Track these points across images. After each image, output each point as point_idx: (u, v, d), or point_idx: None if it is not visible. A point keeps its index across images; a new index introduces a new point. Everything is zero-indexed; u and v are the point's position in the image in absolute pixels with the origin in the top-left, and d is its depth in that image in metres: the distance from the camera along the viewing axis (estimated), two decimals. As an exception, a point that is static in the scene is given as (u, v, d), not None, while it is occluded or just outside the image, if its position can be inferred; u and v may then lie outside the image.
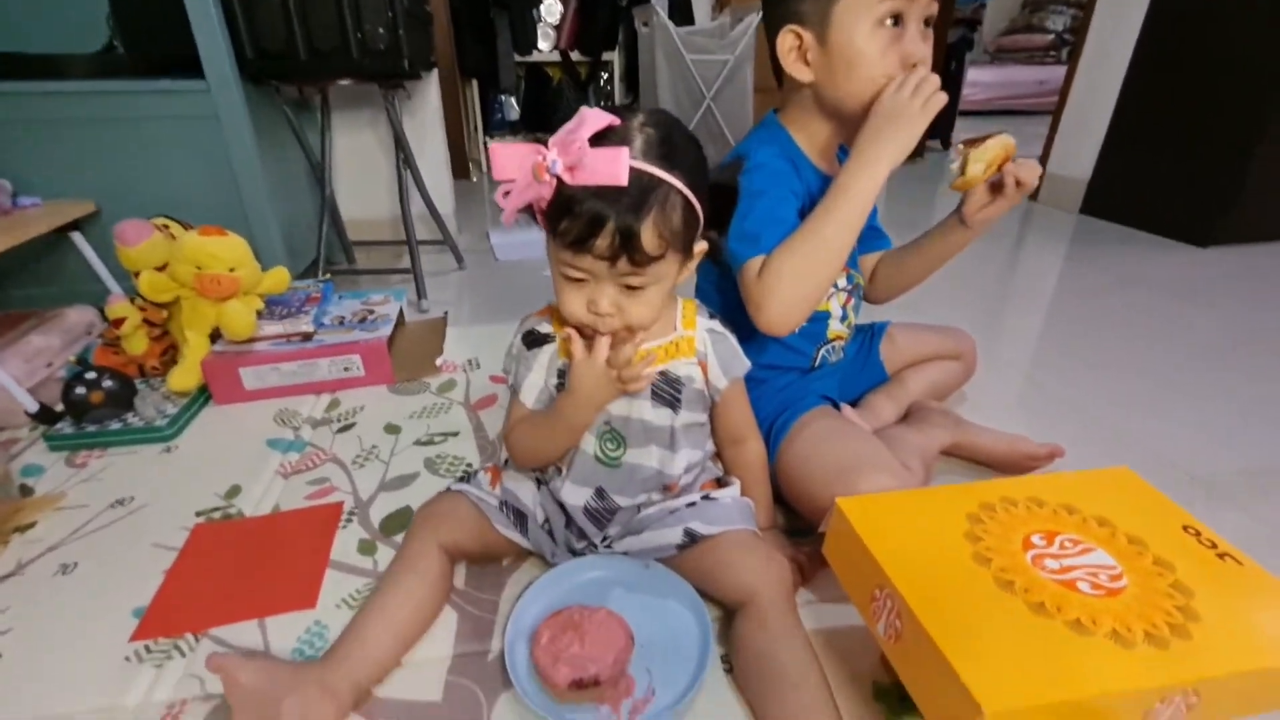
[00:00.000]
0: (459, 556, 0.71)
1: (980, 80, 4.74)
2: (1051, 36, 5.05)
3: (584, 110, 0.52)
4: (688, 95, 2.59)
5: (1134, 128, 2.10)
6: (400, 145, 1.54)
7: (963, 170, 0.73)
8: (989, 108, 4.86)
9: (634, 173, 0.51)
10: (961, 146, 0.73)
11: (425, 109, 1.82)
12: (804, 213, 0.77)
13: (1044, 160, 2.41)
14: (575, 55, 3.08)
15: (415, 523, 0.70)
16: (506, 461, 0.74)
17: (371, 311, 1.26)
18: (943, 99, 0.65)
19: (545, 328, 0.68)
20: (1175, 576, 0.49)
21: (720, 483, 0.74)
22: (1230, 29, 1.81)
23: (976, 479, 0.89)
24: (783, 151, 0.75)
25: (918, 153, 3.34)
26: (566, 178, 0.51)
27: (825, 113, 0.74)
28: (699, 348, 0.66)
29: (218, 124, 1.24)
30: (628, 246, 0.53)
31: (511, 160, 0.53)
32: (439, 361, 1.20)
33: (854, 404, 0.97)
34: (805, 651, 0.56)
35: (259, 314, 1.13)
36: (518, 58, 3.00)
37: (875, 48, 0.66)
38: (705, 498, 0.70)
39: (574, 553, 0.72)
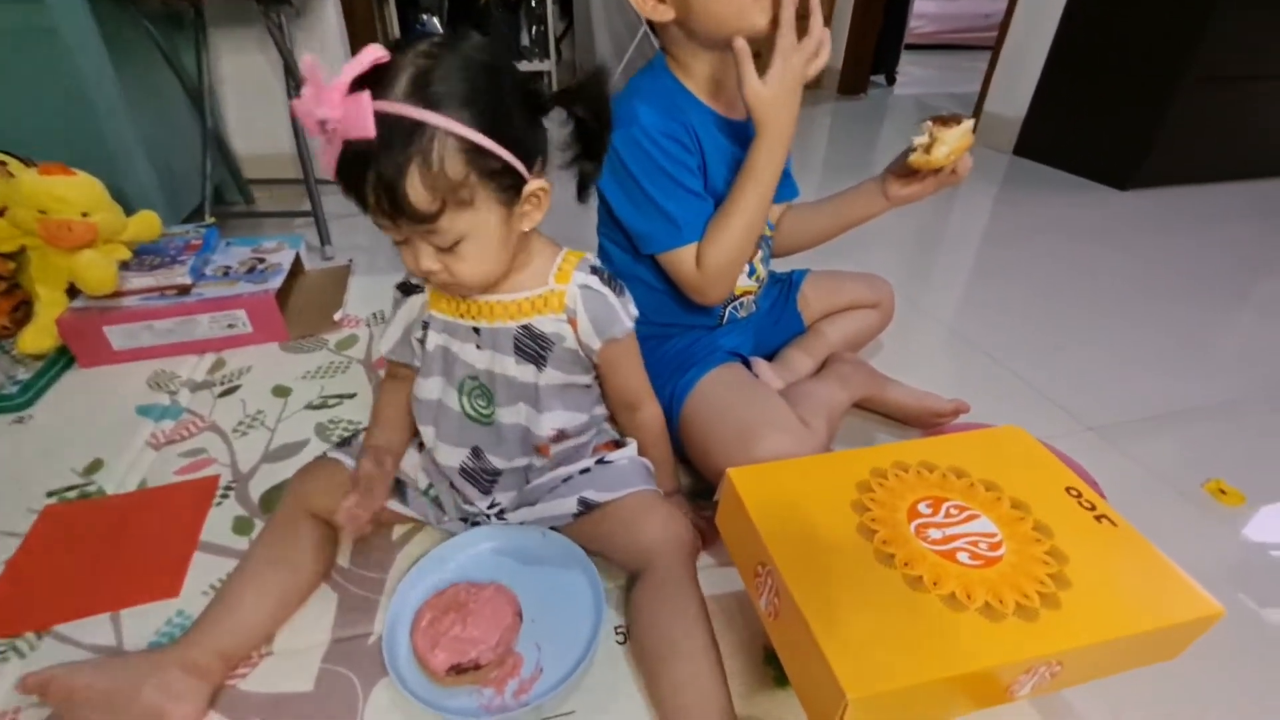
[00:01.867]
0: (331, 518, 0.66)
1: (926, 12, 4.63)
2: (1000, -33, 4.96)
3: (365, 49, 0.45)
4: (623, 21, 2.42)
5: (1066, 69, 2.08)
6: (290, 73, 1.37)
7: (928, 150, 0.71)
8: (934, 41, 4.78)
9: (384, 118, 0.45)
10: (931, 124, 0.71)
11: (322, 30, 1.63)
12: (704, 166, 0.73)
13: (981, 98, 2.39)
14: (503, -28, 2.83)
15: (287, 492, 0.65)
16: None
17: (262, 260, 1.15)
18: (825, 59, 0.66)
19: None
20: (1052, 543, 0.49)
21: (618, 444, 0.71)
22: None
23: (884, 433, 0.89)
24: (668, 104, 0.71)
25: (860, 89, 3.27)
26: (327, 132, 0.45)
27: (700, 46, 0.70)
28: (569, 304, 0.60)
29: (58, 40, 1.06)
30: (395, 204, 0.47)
31: (305, 115, 0.45)
32: (338, 315, 1.11)
33: (770, 357, 0.95)
34: (700, 621, 0.55)
35: (125, 265, 1.01)
36: (439, -28, 2.73)
37: None
38: (600, 462, 0.67)
39: (466, 521, 0.68)
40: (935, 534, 0.49)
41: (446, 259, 0.53)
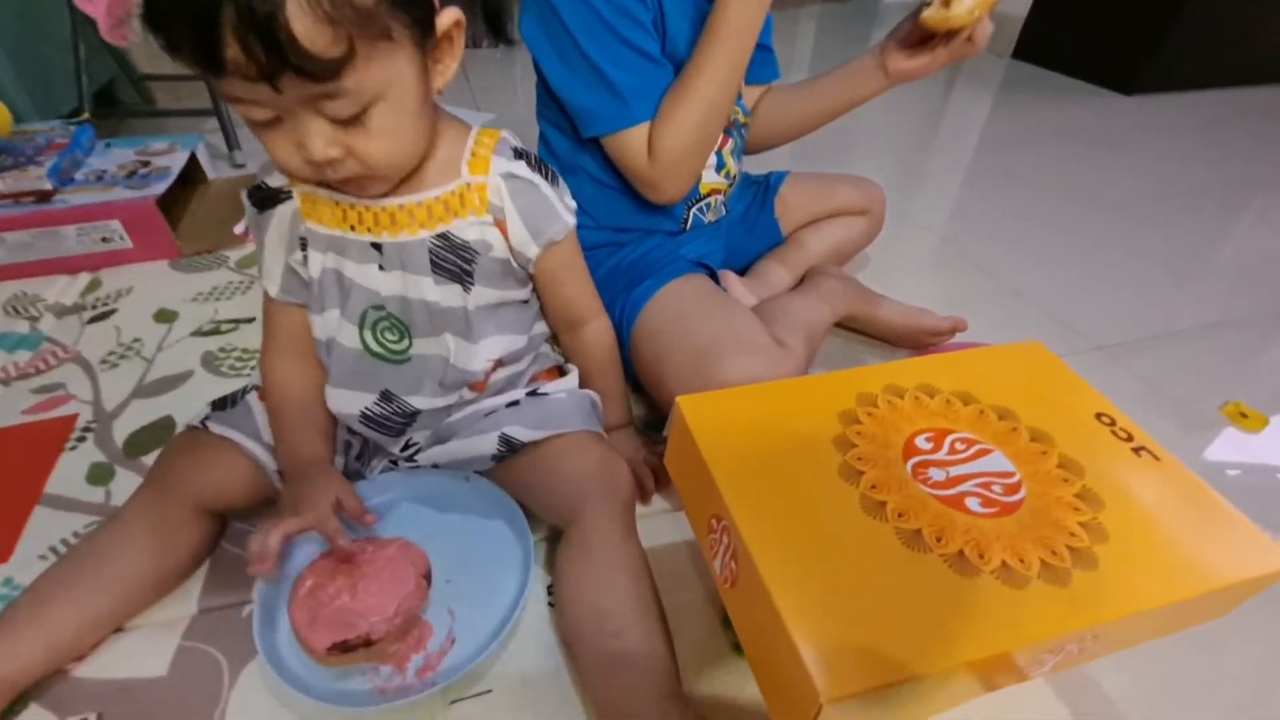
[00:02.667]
0: (227, 513, 0.53)
1: (923, -94, 4.25)
2: None
3: None
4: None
5: (1077, -46, 1.88)
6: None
7: (946, 4, 0.56)
8: (930, -59, 4.42)
9: None
10: None
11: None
12: (662, 21, 0.58)
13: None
14: None
15: (153, 477, 0.50)
16: None
17: (146, 164, 0.97)
18: None
19: (279, 178, 0.47)
20: (1083, 483, 0.39)
21: (561, 371, 0.59)
22: None
23: (872, 355, 0.79)
24: None
25: (849, -12, 2.99)
26: None
27: None
28: (494, 200, 0.47)
29: None
30: (274, 48, 0.32)
31: None
32: (239, 228, 0.95)
33: (743, 271, 0.83)
34: (634, 586, 0.44)
35: (-35, 166, 0.83)
36: None
37: None
38: (532, 394, 0.55)
39: (361, 461, 0.56)
40: (937, 475, 0.38)
41: (350, 137, 0.38)
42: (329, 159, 0.38)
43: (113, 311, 0.80)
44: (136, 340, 0.75)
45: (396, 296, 0.48)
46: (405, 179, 0.45)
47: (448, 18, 0.39)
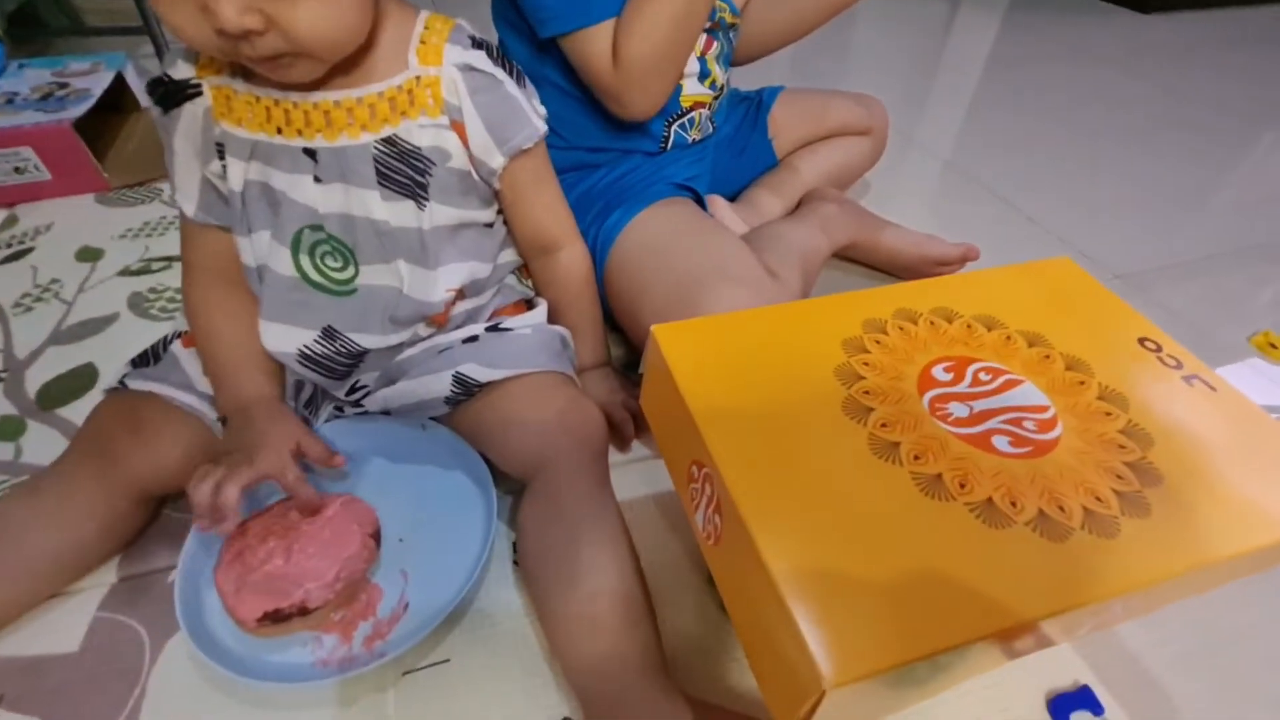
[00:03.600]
0: (161, 490, 0.45)
1: None
2: None
3: None
4: None
5: None
6: None
7: None
8: None
9: None
10: None
11: None
12: None
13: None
14: None
15: (83, 451, 0.42)
16: None
17: (65, 85, 0.86)
18: None
19: (185, 69, 0.39)
20: (1129, 417, 0.33)
21: (529, 305, 0.52)
22: None
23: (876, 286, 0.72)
24: None
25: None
26: None
27: None
28: (448, 99, 0.40)
29: None
30: None
31: None
32: (173, 158, 0.86)
33: (733, 198, 0.75)
34: (608, 545, 0.39)
35: None
36: None
37: None
38: (493, 329, 0.48)
39: (309, 408, 0.50)
40: (959, 410, 0.32)
41: (271, 2, 0.31)
42: (244, 29, 0.31)
43: (29, 250, 0.71)
44: (55, 281, 0.67)
45: (337, 215, 0.41)
46: (341, 67, 0.38)
47: None
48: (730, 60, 0.66)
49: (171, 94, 0.40)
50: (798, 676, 0.24)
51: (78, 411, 0.53)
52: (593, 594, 0.37)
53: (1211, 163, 1.01)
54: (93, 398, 0.55)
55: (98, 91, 0.85)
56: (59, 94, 0.84)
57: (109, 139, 0.90)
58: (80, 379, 0.56)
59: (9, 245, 0.72)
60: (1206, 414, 0.33)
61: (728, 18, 0.62)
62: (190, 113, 0.40)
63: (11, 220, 0.76)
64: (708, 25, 0.59)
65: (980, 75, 1.29)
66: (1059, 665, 0.40)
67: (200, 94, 0.39)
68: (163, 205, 0.80)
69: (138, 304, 0.65)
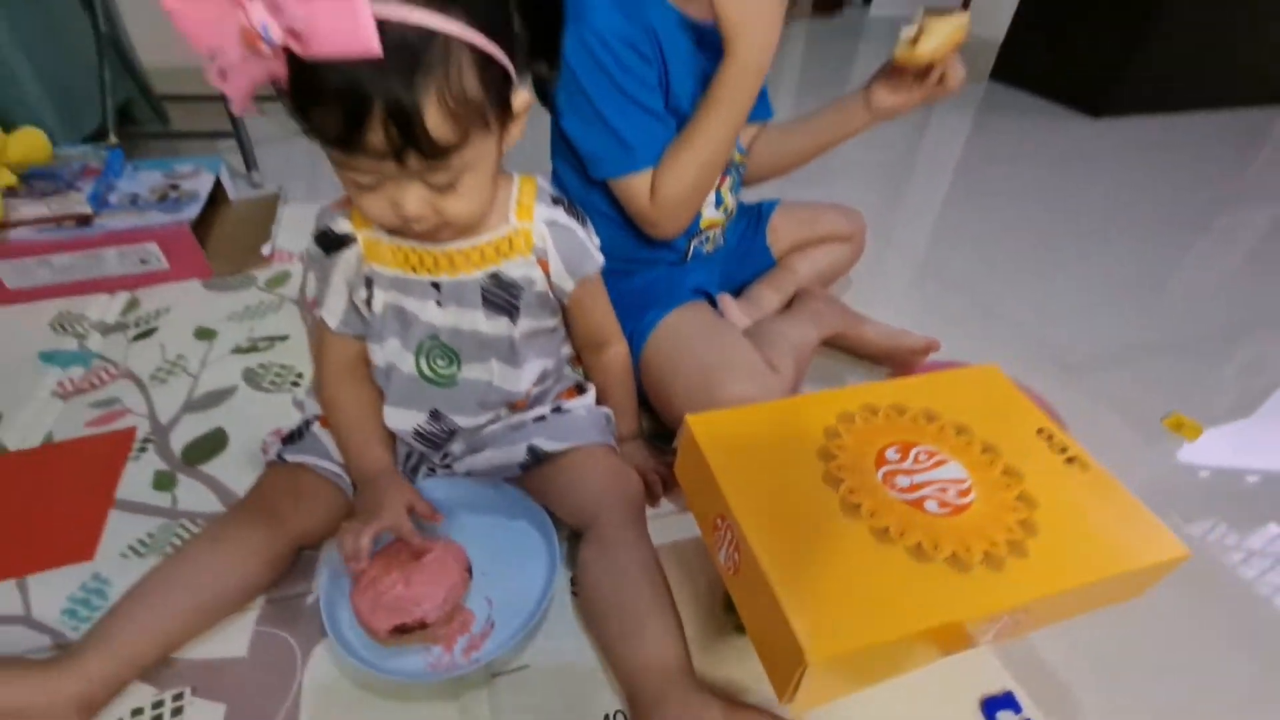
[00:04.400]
0: (312, 541, 0.58)
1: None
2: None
3: None
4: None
5: (1048, -13, 1.99)
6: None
7: (914, 42, 0.63)
8: (913, -44, 4.54)
9: (389, 29, 0.35)
10: (924, 15, 0.63)
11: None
12: (666, 78, 0.66)
13: (959, 18, 2.28)
14: None
15: (253, 509, 0.55)
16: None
17: (176, 187, 1.03)
18: None
19: (344, 225, 0.54)
20: (1023, 487, 0.47)
21: (580, 389, 0.67)
22: None
23: (855, 372, 0.87)
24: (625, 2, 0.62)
25: (836, 6, 3.10)
26: (294, 48, 0.35)
27: None
28: (538, 244, 0.54)
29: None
30: (410, 137, 0.39)
31: (205, 22, 0.34)
32: (266, 249, 1.02)
33: (737, 292, 0.91)
34: (646, 578, 0.52)
35: (13, 193, 0.89)
36: None
37: None
38: (556, 410, 0.62)
39: (415, 469, 0.64)
40: (903, 481, 0.47)
41: (439, 199, 0.45)
42: (418, 216, 0.46)
43: (154, 330, 0.86)
44: (180, 357, 0.82)
45: (450, 328, 0.55)
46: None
47: (521, 101, 0.46)
48: (740, 188, 0.83)
49: (334, 243, 0.54)
50: (789, 656, 0.37)
51: (216, 468, 0.67)
52: (636, 615, 0.50)
53: (1149, 260, 1.18)
54: (226, 455, 0.68)
55: (204, 193, 1.02)
56: (173, 195, 1.00)
57: (204, 228, 1.07)
58: (214, 441, 0.70)
59: (137, 325, 0.87)
60: (1077, 486, 0.47)
61: (737, 157, 0.79)
62: (346, 256, 0.54)
63: (134, 303, 0.91)
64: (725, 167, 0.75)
65: (951, 176, 1.49)
66: (990, 675, 0.53)
67: (355, 242, 0.54)
68: (258, 291, 0.95)
69: (251, 378, 0.79)
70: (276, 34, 0.35)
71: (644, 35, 0.62)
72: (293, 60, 0.36)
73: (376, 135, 0.39)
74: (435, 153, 0.41)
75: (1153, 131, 1.82)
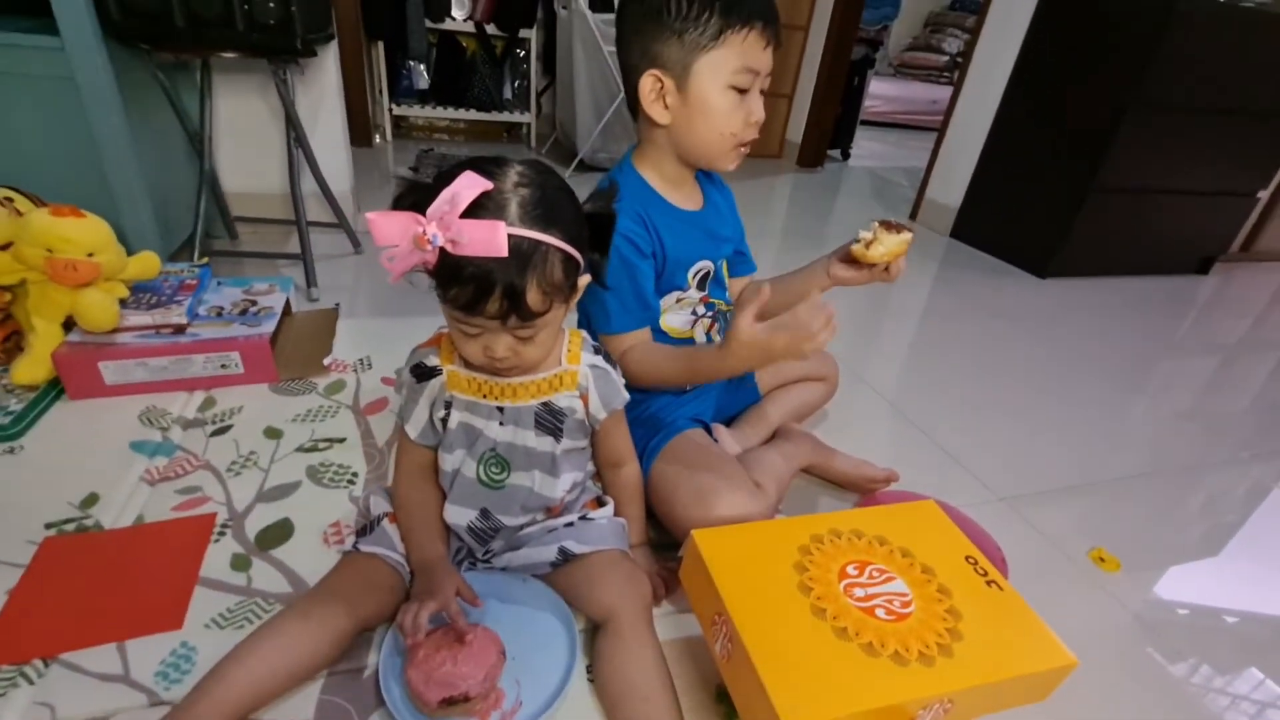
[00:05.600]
0: (375, 623, 0.68)
1: (882, 93, 5.04)
2: (946, 59, 5.44)
3: (459, 178, 0.53)
4: (604, 86, 2.59)
5: (997, 167, 2.34)
6: (291, 123, 1.45)
7: (868, 246, 0.81)
8: (889, 119, 5.19)
9: (513, 240, 0.53)
10: (878, 226, 0.81)
11: (322, 80, 1.72)
12: (663, 254, 0.83)
13: (923, 185, 2.64)
14: (491, 29, 2.98)
15: (331, 591, 0.66)
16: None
17: (254, 302, 1.20)
18: (822, 344, 0.68)
19: (433, 360, 0.70)
20: (951, 602, 0.60)
21: (600, 502, 0.80)
22: (1083, 82, 2.05)
23: (827, 495, 1.01)
24: (637, 204, 0.81)
25: (818, 162, 3.53)
26: (449, 249, 0.53)
27: (675, 153, 0.83)
28: (581, 382, 0.70)
29: (74, 87, 1.12)
30: (516, 308, 0.56)
31: (392, 229, 0.53)
32: (327, 360, 1.17)
33: (729, 422, 1.07)
34: (656, 666, 0.63)
35: (123, 302, 1.05)
36: (430, 24, 2.86)
37: (726, 104, 0.76)
38: (583, 518, 0.76)
39: (460, 562, 0.76)
40: (860, 592, 0.60)
41: (520, 346, 0.61)
42: (502, 358, 0.62)
43: (230, 427, 1.00)
44: (253, 453, 0.95)
45: (506, 442, 0.70)
46: None
47: (582, 281, 0.64)
48: (725, 331, 1.00)
49: (426, 373, 0.70)
50: (771, 724, 0.49)
51: (286, 553, 0.78)
52: (644, 697, 0.61)
53: (1086, 407, 1.37)
54: (294, 542, 0.80)
55: (278, 309, 1.19)
56: (253, 310, 1.17)
57: (272, 339, 1.23)
58: (283, 529, 0.82)
59: (214, 421, 1.01)
60: (994, 604, 0.61)
61: (721, 306, 0.98)
62: (433, 384, 0.70)
63: (210, 402, 1.05)
64: (710, 314, 0.94)
65: (916, 325, 1.71)
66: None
67: (441, 373, 0.70)
68: (318, 396, 1.09)
69: (314, 475, 0.91)
70: (441, 240, 0.53)
71: (645, 230, 0.81)
72: (444, 254, 0.54)
73: (494, 305, 0.56)
74: (530, 317, 0.58)
75: (1092, 292, 2.08)
